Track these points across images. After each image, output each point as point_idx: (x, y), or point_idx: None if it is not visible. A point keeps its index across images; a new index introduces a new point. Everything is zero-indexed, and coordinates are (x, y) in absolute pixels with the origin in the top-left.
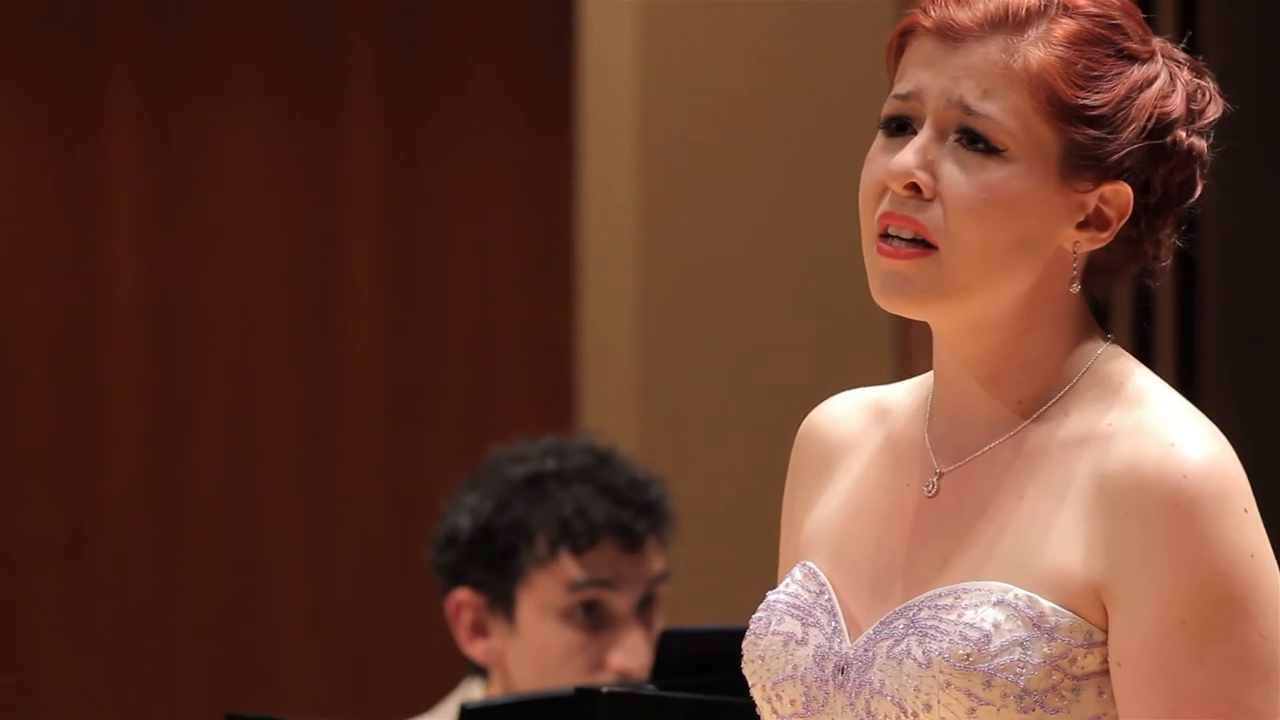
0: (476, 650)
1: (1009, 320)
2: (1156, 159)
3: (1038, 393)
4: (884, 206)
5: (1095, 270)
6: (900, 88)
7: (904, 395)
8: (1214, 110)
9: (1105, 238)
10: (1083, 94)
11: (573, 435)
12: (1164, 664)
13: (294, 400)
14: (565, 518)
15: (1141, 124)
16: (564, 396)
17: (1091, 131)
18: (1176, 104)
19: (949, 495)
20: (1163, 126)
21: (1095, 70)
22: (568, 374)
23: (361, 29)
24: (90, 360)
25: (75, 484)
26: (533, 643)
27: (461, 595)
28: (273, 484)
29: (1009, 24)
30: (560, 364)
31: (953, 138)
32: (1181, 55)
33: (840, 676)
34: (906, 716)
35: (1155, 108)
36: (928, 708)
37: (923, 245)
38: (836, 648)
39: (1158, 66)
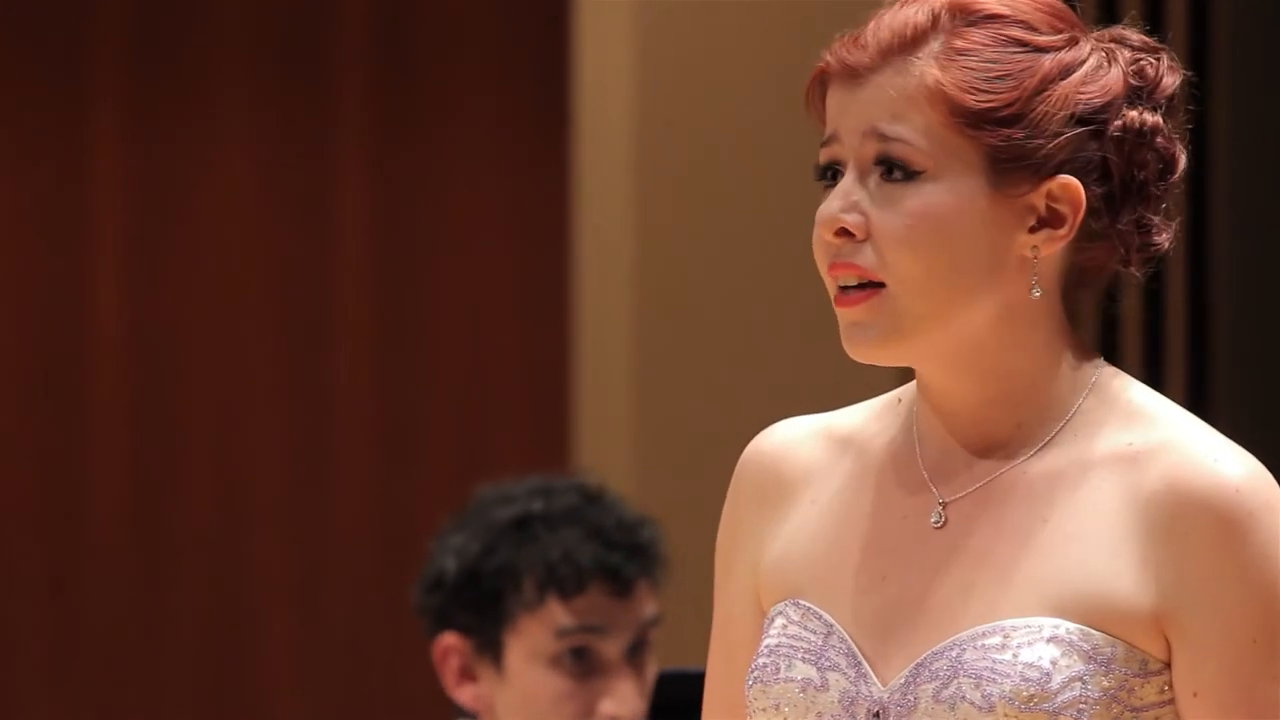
0: (464, 695)
1: (989, 342)
2: (1103, 144)
3: (1038, 415)
4: (828, 259)
5: (1083, 272)
6: (824, 135)
7: (863, 422)
8: (1170, 81)
9: (1064, 234)
10: (985, 97)
11: (566, 469)
12: (1240, 686)
13: (282, 436)
14: (552, 562)
15: (1067, 113)
16: (558, 429)
17: (1007, 132)
18: (1111, 85)
19: (959, 525)
20: (1095, 110)
21: (997, 71)
22: (562, 407)
23: (350, 57)
24: (73, 396)
25: (58, 522)
26: (521, 689)
27: (448, 640)
28: (260, 522)
29: (902, 47)
30: (555, 397)
31: (875, 173)
32: (1135, 37)
33: None
34: None
35: (1080, 94)
36: None
37: (872, 286)
38: (866, 692)
39: (1079, 52)
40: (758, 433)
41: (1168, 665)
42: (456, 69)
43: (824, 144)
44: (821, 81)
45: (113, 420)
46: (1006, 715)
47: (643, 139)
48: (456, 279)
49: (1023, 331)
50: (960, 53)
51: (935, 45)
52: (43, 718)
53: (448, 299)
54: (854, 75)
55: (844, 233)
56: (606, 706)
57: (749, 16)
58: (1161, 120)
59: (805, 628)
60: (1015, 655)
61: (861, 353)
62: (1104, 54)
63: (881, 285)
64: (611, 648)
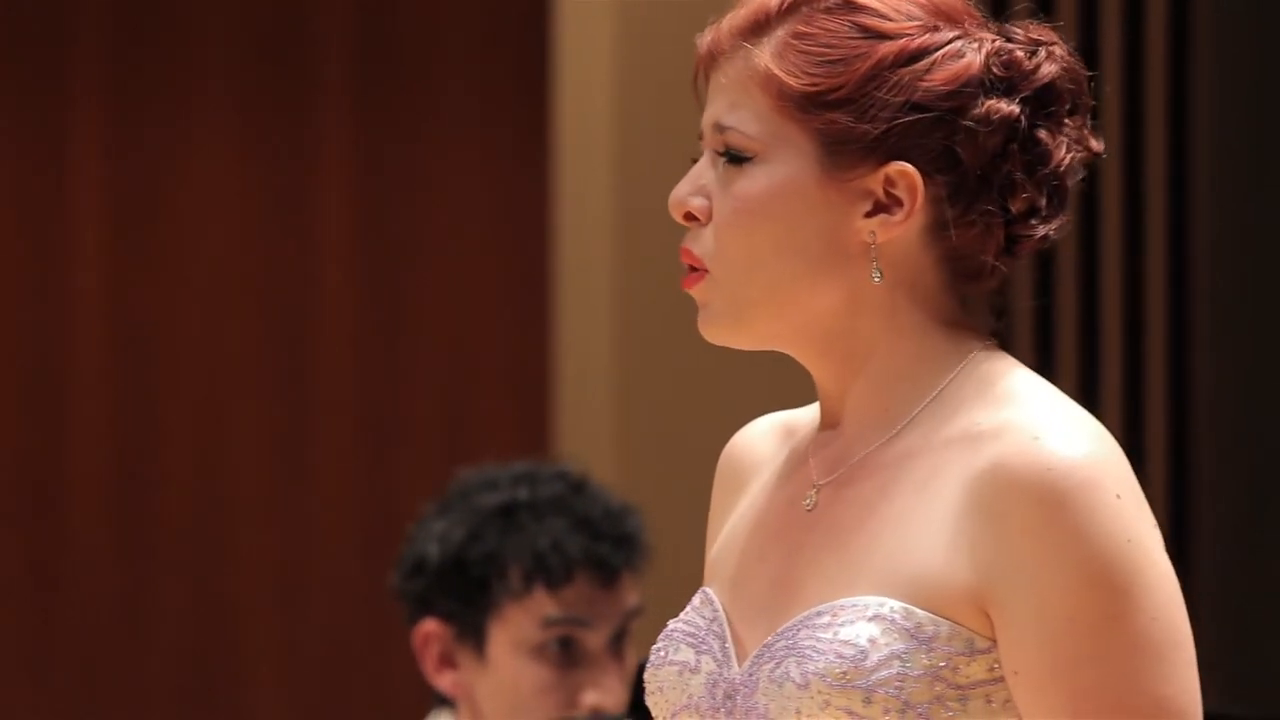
0: (444, 681)
1: (840, 326)
2: (950, 131)
3: (903, 397)
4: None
5: (957, 260)
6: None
7: (811, 414)
8: (1048, 71)
9: (900, 220)
10: (814, 80)
11: (541, 461)
12: (1058, 665)
13: (265, 433)
14: (540, 552)
15: (903, 99)
16: (540, 426)
17: (835, 116)
18: (961, 73)
19: (825, 508)
20: (939, 98)
21: (830, 55)
22: (544, 404)
23: (332, 55)
24: (54, 393)
25: (38, 520)
26: (504, 678)
27: (429, 626)
28: (243, 518)
29: (750, 32)
30: (536, 392)
31: (722, 159)
32: (1025, 30)
33: (729, 703)
34: None
35: (921, 81)
36: None
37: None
38: (725, 674)
39: (931, 40)
40: (737, 428)
41: (997, 643)
42: (438, 67)
43: (700, 136)
44: (702, 69)
45: (94, 416)
46: (820, 692)
47: (623, 136)
48: (439, 275)
49: (879, 316)
50: (798, 37)
51: (780, 32)
52: (24, 715)
53: (430, 295)
54: (712, 61)
55: (690, 217)
56: (590, 697)
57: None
58: (1021, 109)
59: (700, 613)
60: (835, 634)
61: (710, 333)
62: (972, 44)
63: (705, 271)
64: (596, 638)
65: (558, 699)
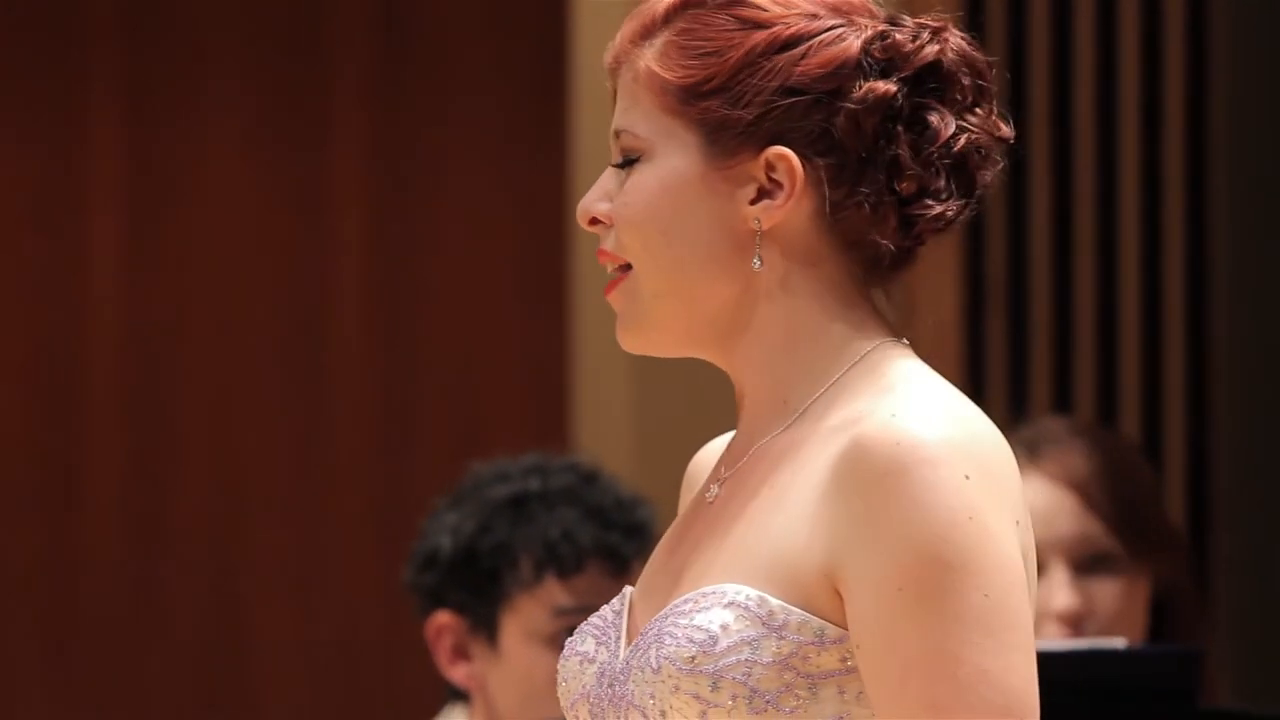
0: (457, 674)
1: (739, 317)
2: (826, 113)
3: (803, 388)
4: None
5: (854, 246)
6: None
7: None
8: (929, 52)
9: (781, 204)
10: (689, 72)
11: (552, 454)
12: (888, 633)
13: (280, 428)
14: (551, 541)
15: (778, 84)
16: (557, 422)
17: (710, 104)
18: (837, 56)
19: (722, 500)
20: (814, 81)
21: (705, 47)
22: (561, 399)
23: (349, 47)
24: (69, 386)
25: (52, 515)
26: (516, 668)
27: (442, 618)
28: (258, 512)
29: (638, 40)
30: (554, 389)
31: (618, 160)
32: (912, 18)
33: (611, 690)
34: None
35: (797, 66)
36: (663, 714)
37: (623, 269)
38: (612, 663)
39: (807, 27)
40: None
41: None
42: (455, 58)
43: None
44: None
45: (109, 410)
46: (670, 676)
47: None
48: (455, 267)
49: (776, 306)
50: (679, 34)
51: (666, 34)
52: (38, 710)
53: (446, 291)
54: (613, 71)
55: (595, 222)
56: None
57: None
58: (899, 88)
59: (612, 607)
60: (691, 619)
61: (625, 340)
62: (853, 30)
63: (630, 267)
64: None
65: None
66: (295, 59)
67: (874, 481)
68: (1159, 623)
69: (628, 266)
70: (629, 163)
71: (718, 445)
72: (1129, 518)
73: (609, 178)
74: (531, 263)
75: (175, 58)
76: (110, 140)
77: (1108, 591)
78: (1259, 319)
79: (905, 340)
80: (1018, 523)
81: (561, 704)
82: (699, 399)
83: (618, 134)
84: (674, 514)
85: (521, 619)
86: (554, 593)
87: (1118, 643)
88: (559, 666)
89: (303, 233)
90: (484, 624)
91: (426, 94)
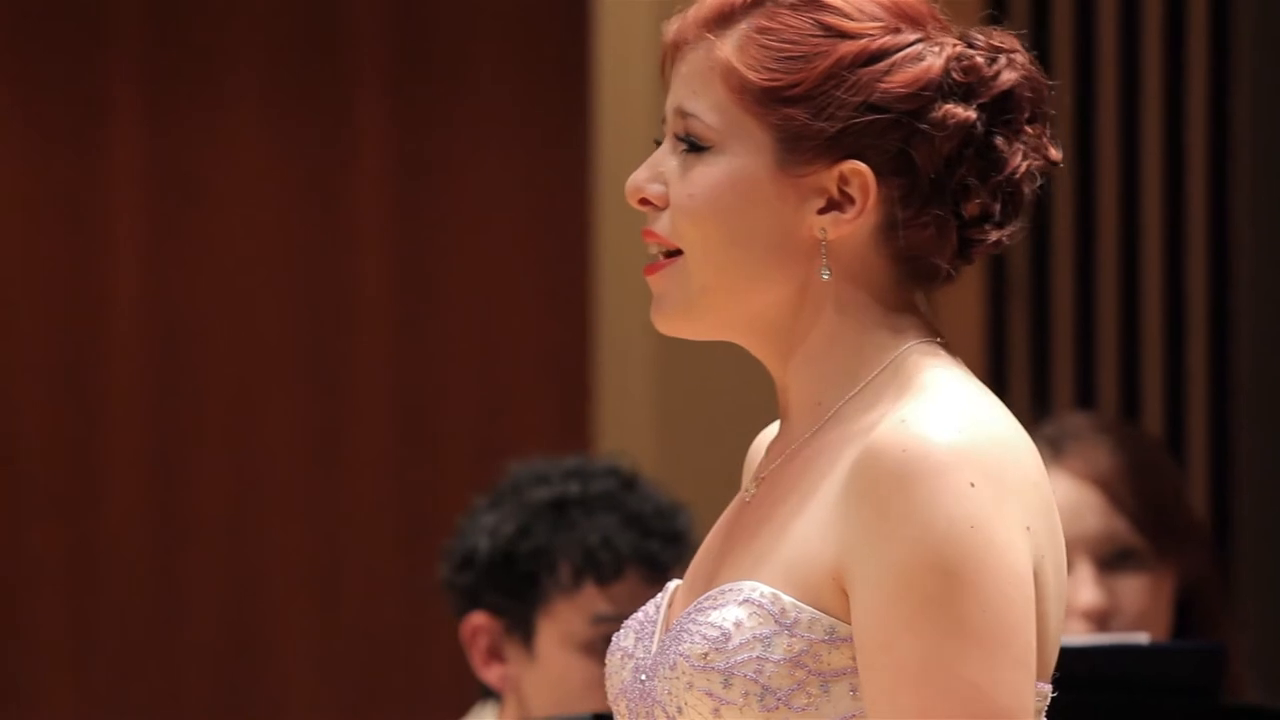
0: (492, 675)
1: (785, 319)
2: (906, 134)
3: (837, 390)
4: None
5: (912, 258)
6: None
7: None
8: (1008, 78)
9: (850, 219)
10: (773, 76)
11: (591, 456)
12: (883, 637)
13: (300, 423)
14: (591, 548)
15: (860, 99)
16: (578, 416)
17: (791, 112)
18: (920, 76)
19: (757, 500)
20: (896, 100)
21: (791, 51)
22: (582, 394)
23: (369, 43)
24: (90, 383)
25: (75, 510)
26: (551, 672)
27: (478, 619)
28: (278, 510)
29: (715, 23)
30: (575, 384)
31: (681, 146)
32: (986, 36)
33: (642, 686)
34: None
35: (881, 83)
36: (680, 711)
37: (673, 254)
38: (645, 659)
39: (893, 41)
40: (773, 416)
41: None
42: (475, 54)
43: (664, 120)
44: (669, 56)
45: (131, 406)
46: (684, 673)
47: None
48: (475, 262)
49: (825, 312)
50: (761, 31)
51: (744, 24)
52: (60, 705)
53: (466, 282)
54: (677, 49)
55: (647, 202)
56: None
57: None
58: (978, 115)
59: (656, 604)
60: (706, 616)
61: (661, 323)
62: (933, 48)
63: (680, 252)
64: None
65: (605, 695)
66: (316, 55)
67: (880, 487)
68: (1184, 619)
69: (676, 251)
70: (695, 149)
71: (774, 432)
72: (1154, 514)
73: (662, 157)
74: (553, 257)
75: (196, 55)
76: (132, 137)
77: (1133, 588)
78: None
79: (941, 340)
80: (1029, 528)
81: (608, 698)
82: (720, 391)
83: (683, 113)
84: (699, 509)
85: (559, 624)
86: (593, 599)
87: (1141, 639)
88: (606, 661)
89: (323, 229)
90: (520, 627)
91: (447, 88)
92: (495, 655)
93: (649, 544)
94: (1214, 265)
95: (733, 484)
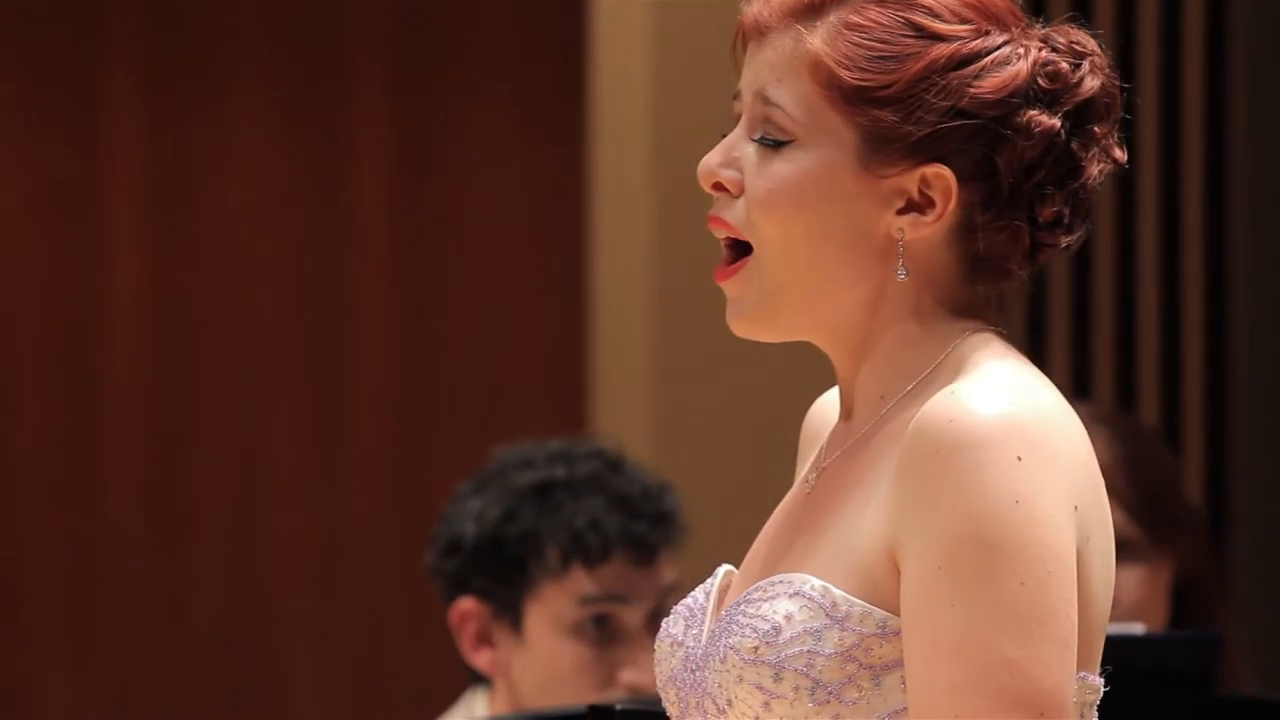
0: (481, 660)
1: (858, 317)
2: (991, 139)
3: (898, 382)
4: (711, 211)
5: (984, 260)
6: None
7: None
8: (1091, 85)
9: (930, 221)
10: (865, 75)
11: (577, 438)
12: (923, 609)
13: (301, 416)
14: (578, 530)
15: (949, 104)
16: (576, 411)
17: (878, 113)
18: (1008, 82)
19: (819, 490)
20: (984, 105)
21: (883, 51)
22: (581, 388)
23: (369, 39)
24: (90, 376)
25: (75, 503)
26: (540, 656)
27: (466, 604)
28: (279, 502)
29: (803, 12)
30: (574, 378)
31: (758, 132)
32: (1066, 38)
33: (693, 676)
34: (719, 714)
35: (970, 87)
36: (730, 704)
37: (738, 252)
38: (695, 649)
39: (982, 44)
40: (773, 410)
41: None
42: (474, 51)
43: (735, 98)
44: (742, 35)
45: (131, 397)
46: (734, 666)
47: (662, 120)
48: (475, 256)
49: (898, 310)
50: (852, 27)
51: (833, 17)
52: (61, 696)
53: (466, 276)
54: (759, 33)
55: (719, 187)
56: (627, 675)
57: None
58: (1062, 123)
59: (704, 590)
60: (758, 609)
61: (740, 327)
62: (1019, 51)
63: (749, 249)
64: (633, 616)
65: (595, 677)
66: (316, 47)
67: (927, 459)
68: (1180, 609)
69: (741, 245)
70: (775, 141)
71: (833, 397)
72: (1150, 505)
73: (736, 141)
74: (552, 250)
75: (196, 46)
76: (131, 128)
77: (1129, 579)
78: (1278, 307)
79: (999, 329)
80: (1076, 508)
81: (657, 685)
82: (718, 383)
83: (766, 101)
84: (697, 499)
85: (547, 607)
86: (580, 581)
87: (1136, 629)
88: (655, 647)
89: (324, 221)
90: (508, 611)
91: (447, 81)
92: (484, 640)
93: (636, 525)
94: (1210, 256)
95: (728, 473)
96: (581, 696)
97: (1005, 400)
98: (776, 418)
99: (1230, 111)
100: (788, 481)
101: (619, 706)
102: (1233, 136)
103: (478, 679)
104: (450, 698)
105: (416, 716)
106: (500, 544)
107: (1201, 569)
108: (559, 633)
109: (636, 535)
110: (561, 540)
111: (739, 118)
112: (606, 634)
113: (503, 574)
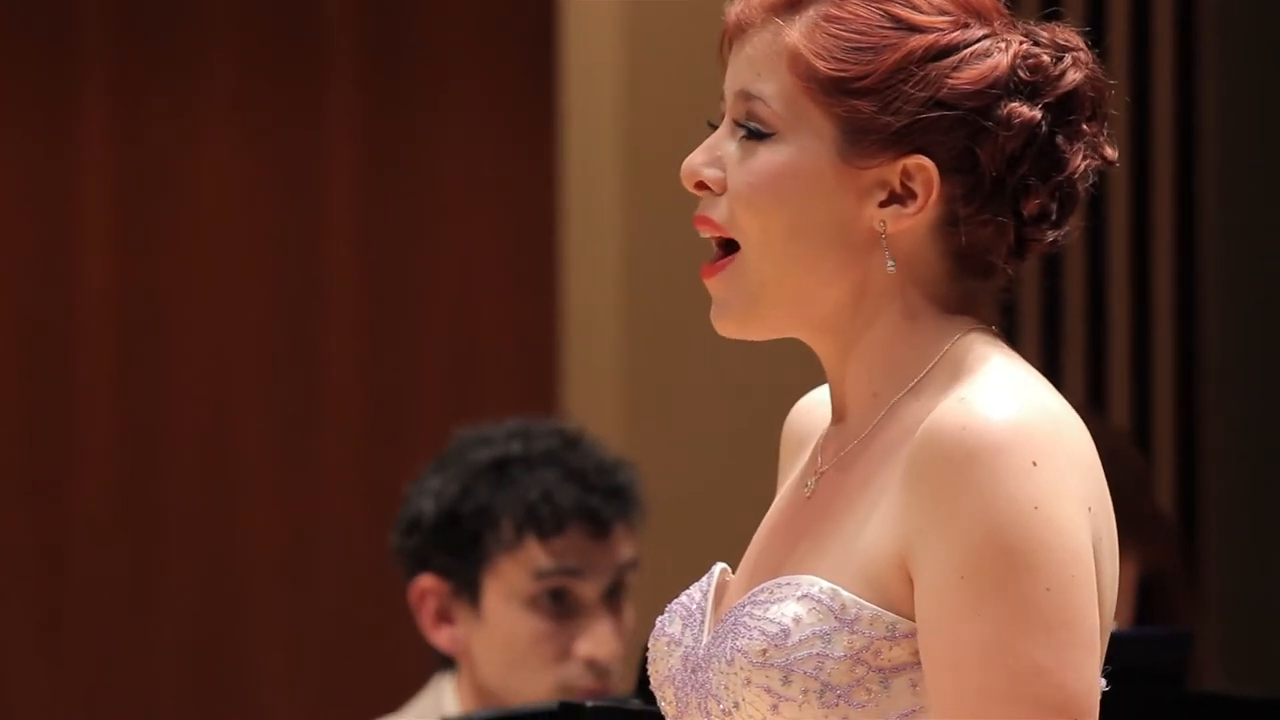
0: (441, 638)
1: (847, 314)
2: (971, 131)
3: (893, 383)
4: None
5: (969, 254)
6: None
7: None
8: (1072, 78)
9: (912, 214)
10: (841, 66)
11: (536, 418)
12: (945, 618)
13: (272, 413)
14: (532, 503)
15: (928, 95)
16: (549, 403)
17: (857, 104)
18: (987, 73)
19: (818, 494)
20: (963, 96)
21: (860, 42)
22: (552, 382)
23: (340, 35)
24: (60, 373)
25: (44, 500)
26: (498, 630)
27: (425, 582)
28: (250, 495)
29: (785, 8)
30: (544, 372)
31: (741, 130)
32: (1049, 32)
33: (694, 677)
34: (723, 716)
35: (948, 78)
36: (736, 706)
37: (727, 248)
38: (696, 649)
39: (961, 37)
40: (743, 401)
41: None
42: (446, 45)
43: (721, 99)
44: (728, 37)
45: (100, 392)
46: (742, 669)
47: (632, 115)
48: (446, 252)
49: (882, 306)
50: (830, 20)
51: (813, 11)
52: (33, 693)
53: (437, 277)
54: (741, 31)
55: (702, 185)
56: (584, 648)
57: None
58: (1043, 115)
59: (700, 588)
60: (765, 611)
61: (725, 327)
62: (1000, 44)
63: (736, 245)
64: (589, 589)
65: (552, 649)
66: (287, 41)
67: (940, 467)
68: (1147, 607)
69: (730, 243)
70: (757, 135)
71: (816, 403)
72: (1116, 504)
73: (719, 140)
74: (522, 244)
75: (166, 41)
76: (101, 123)
77: None
78: (1248, 305)
79: (993, 328)
80: (1090, 510)
81: (651, 684)
82: (688, 378)
83: (747, 96)
84: (662, 488)
85: (503, 581)
86: (534, 554)
87: None
88: (649, 646)
89: (293, 216)
90: (466, 587)
91: (417, 76)
92: (444, 617)
93: (590, 498)
94: (1180, 255)
95: (698, 465)
96: (539, 670)
97: (1015, 405)
98: (748, 410)
99: (1200, 109)
100: (759, 472)
101: (589, 704)
102: (1203, 134)
103: (443, 663)
104: (421, 689)
105: (387, 709)
106: (457, 520)
107: (1169, 567)
108: (516, 606)
109: (591, 508)
110: (516, 513)
111: (723, 118)
112: (563, 608)
113: (460, 550)
